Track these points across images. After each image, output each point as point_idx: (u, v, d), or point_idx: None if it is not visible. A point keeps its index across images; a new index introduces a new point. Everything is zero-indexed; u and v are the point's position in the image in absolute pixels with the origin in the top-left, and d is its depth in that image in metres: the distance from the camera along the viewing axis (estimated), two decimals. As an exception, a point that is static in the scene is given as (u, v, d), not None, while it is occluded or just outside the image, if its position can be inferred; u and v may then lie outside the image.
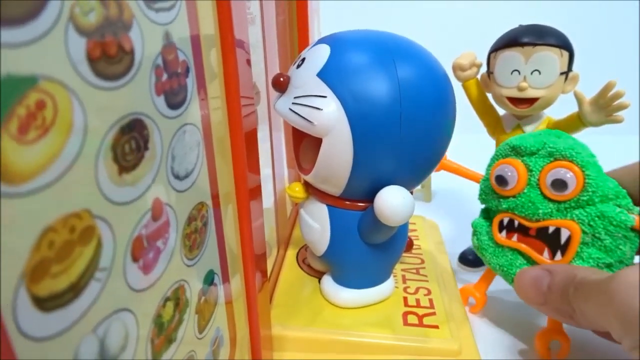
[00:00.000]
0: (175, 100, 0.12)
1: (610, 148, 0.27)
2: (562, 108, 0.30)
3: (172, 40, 0.12)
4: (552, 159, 0.23)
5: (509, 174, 0.24)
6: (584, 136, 0.29)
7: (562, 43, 0.28)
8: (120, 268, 0.09)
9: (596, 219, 0.22)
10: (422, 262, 0.32)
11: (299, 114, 0.22)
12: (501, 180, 0.24)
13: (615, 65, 0.62)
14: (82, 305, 0.08)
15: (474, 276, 0.34)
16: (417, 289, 0.28)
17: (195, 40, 0.14)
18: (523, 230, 0.25)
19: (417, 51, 0.23)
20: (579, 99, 0.28)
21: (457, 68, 0.32)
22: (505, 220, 0.25)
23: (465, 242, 0.36)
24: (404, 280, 0.29)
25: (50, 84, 0.07)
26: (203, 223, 0.14)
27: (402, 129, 0.21)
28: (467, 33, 0.59)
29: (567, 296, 0.19)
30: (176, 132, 0.12)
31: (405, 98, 0.21)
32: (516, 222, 0.25)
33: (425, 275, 0.30)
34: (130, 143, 0.09)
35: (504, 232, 0.25)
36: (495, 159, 0.26)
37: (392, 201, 0.21)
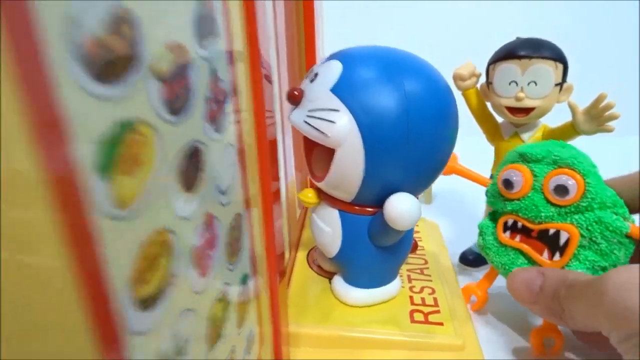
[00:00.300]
0: (220, 125, 0.13)
1: (610, 148, 0.28)
2: (557, 116, 0.32)
3: (216, 72, 0.13)
4: (556, 166, 0.25)
5: (515, 178, 0.26)
6: (585, 137, 0.31)
7: (557, 56, 0.30)
8: (185, 274, 0.11)
9: (594, 223, 0.24)
10: (426, 262, 0.34)
11: (313, 127, 0.23)
12: (508, 183, 0.26)
13: (615, 70, 0.64)
14: (163, 306, 0.09)
15: (474, 276, 0.36)
16: (422, 288, 0.30)
17: (231, 63, 0.15)
18: (526, 232, 0.27)
19: (423, 67, 0.24)
20: (573, 109, 0.30)
21: (457, 78, 0.34)
22: (510, 222, 0.27)
23: (465, 242, 0.38)
24: (409, 279, 0.31)
25: (141, 125, 0.09)
26: (240, 231, 0.15)
27: (410, 140, 0.23)
28: (467, 44, 0.61)
29: (558, 297, 0.21)
30: (220, 152, 0.13)
31: (412, 111, 0.22)
32: (519, 224, 0.27)
33: (429, 275, 0.32)
34: (192, 166, 0.11)
35: (508, 233, 0.27)
36: (503, 164, 0.28)
37: (401, 207, 0.23)
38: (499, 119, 0.35)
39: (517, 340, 0.28)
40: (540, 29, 0.36)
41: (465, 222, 0.45)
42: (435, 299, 0.29)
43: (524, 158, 0.26)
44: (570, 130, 0.30)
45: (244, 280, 0.16)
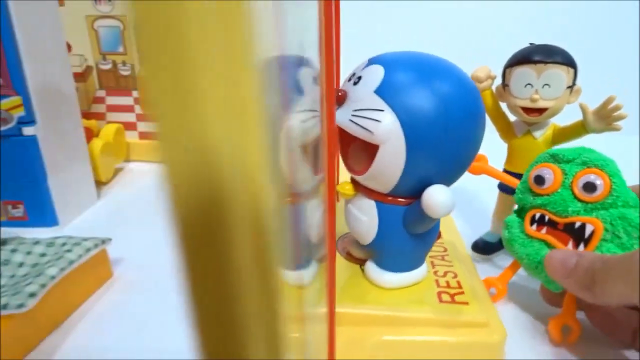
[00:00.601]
0: (319, 118, 0.16)
1: (611, 148, 0.31)
2: (565, 116, 0.35)
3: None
4: (585, 166, 0.28)
5: (547, 175, 0.29)
6: (586, 137, 0.34)
7: (568, 61, 0.33)
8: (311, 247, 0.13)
9: (617, 219, 0.27)
10: (445, 250, 0.36)
11: (360, 125, 0.26)
12: (539, 179, 0.29)
13: (614, 70, 0.68)
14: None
15: (487, 262, 0.39)
16: (445, 273, 0.33)
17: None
18: (552, 225, 0.29)
19: (455, 71, 0.27)
20: (584, 110, 0.33)
21: (474, 80, 0.37)
22: (537, 216, 0.30)
23: (475, 232, 0.41)
24: (433, 265, 0.34)
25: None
26: (323, 216, 0.18)
27: (446, 138, 0.25)
28: (481, 50, 0.64)
29: (592, 270, 0.23)
30: (318, 142, 0.16)
31: (448, 112, 0.25)
32: (546, 217, 0.29)
33: (450, 261, 0.34)
34: (315, 154, 0.13)
35: (534, 225, 0.30)
36: (535, 163, 0.31)
37: (438, 197, 0.25)
38: (512, 118, 0.38)
39: (536, 326, 0.31)
40: (541, 32, 0.39)
41: (474, 215, 0.48)
42: (458, 282, 0.32)
43: (555, 158, 0.29)
44: (580, 129, 0.34)
45: (321, 261, 0.18)
